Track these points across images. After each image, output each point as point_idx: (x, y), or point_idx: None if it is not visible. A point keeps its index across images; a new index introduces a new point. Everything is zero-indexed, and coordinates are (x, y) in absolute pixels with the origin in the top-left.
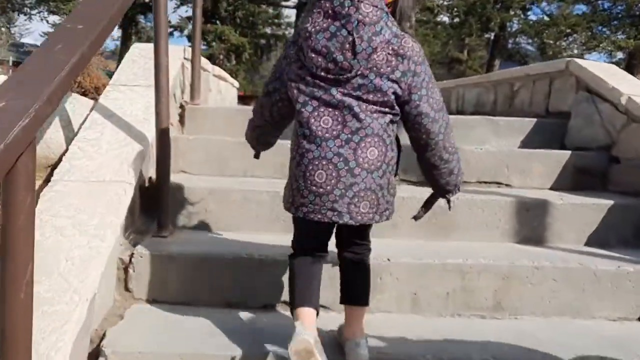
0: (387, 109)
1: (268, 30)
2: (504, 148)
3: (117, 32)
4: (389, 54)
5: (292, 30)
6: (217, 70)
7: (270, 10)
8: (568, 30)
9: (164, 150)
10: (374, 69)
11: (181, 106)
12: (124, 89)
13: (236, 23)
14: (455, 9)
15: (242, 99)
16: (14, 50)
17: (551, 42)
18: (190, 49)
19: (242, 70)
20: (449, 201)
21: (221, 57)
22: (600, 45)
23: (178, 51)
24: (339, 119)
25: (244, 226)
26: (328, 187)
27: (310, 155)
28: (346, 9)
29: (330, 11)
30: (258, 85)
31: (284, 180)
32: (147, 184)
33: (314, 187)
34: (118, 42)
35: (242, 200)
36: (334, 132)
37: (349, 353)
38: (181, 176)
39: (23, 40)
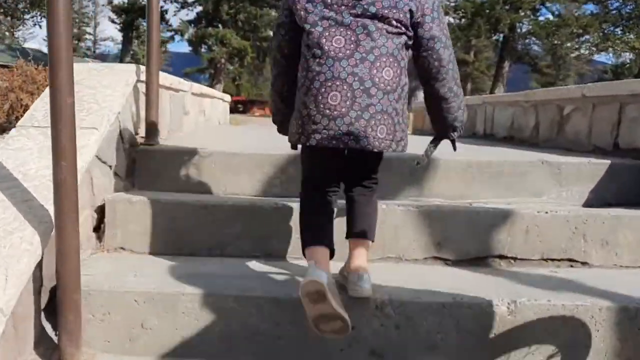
0: (402, 29)
1: (271, 32)
2: (577, 209)
3: (118, 35)
4: None
5: None
6: (197, 87)
7: (273, 13)
8: (579, 31)
9: (66, 243)
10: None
11: (133, 145)
12: (35, 133)
13: (238, 26)
14: (463, 10)
15: (244, 104)
16: (14, 55)
17: (562, 43)
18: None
19: (246, 73)
20: (453, 141)
21: (223, 61)
22: (612, 46)
23: (125, 72)
24: (352, 38)
25: None
26: (343, 109)
27: (321, 77)
28: None
29: None
30: (262, 88)
31: (268, 262)
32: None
33: (328, 111)
34: (109, 43)
35: (199, 309)
36: (347, 52)
37: (352, 287)
38: (113, 263)
39: (27, 44)
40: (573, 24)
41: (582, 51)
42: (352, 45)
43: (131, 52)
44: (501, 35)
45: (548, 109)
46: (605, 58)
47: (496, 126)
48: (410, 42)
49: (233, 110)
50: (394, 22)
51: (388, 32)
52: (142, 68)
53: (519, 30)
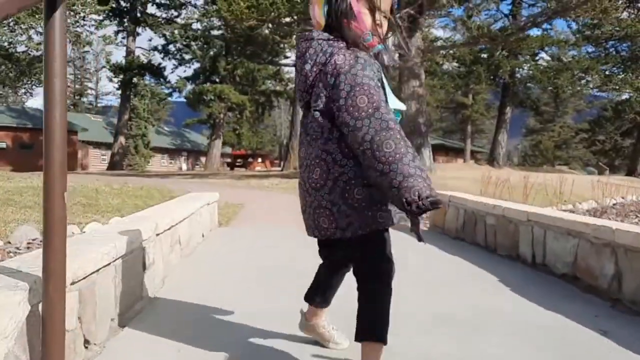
0: (320, 129)
1: (269, 85)
2: None
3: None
4: (317, 73)
5: (293, 86)
6: (167, 222)
7: (270, 67)
8: (581, 74)
9: None
10: (314, 90)
11: None
12: None
13: (236, 81)
14: (462, 58)
15: (244, 158)
16: (14, 115)
17: (564, 86)
18: None
19: (246, 124)
20: (413, 223)
21: (222, 116)
22: (614, 87)
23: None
24: (304, 142)
25: None
26: (302, 207)
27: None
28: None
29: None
30: (263, 135)
31: None
32: None
33: (300, 206)
34: (111, 97)
35: None
36: (302, 156)
37: None
38: None
39: (28, 103)
40: (574, 67)
41: (584, 91)
42: (302, 149)
43: (131, 106)
44: (501, 81)
45: (636, 259)
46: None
47: (551, 256)
48: (335, 134)
49: (233, 166)
50: (315, 124)
51: (312, 134)
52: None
53: (518, 75)
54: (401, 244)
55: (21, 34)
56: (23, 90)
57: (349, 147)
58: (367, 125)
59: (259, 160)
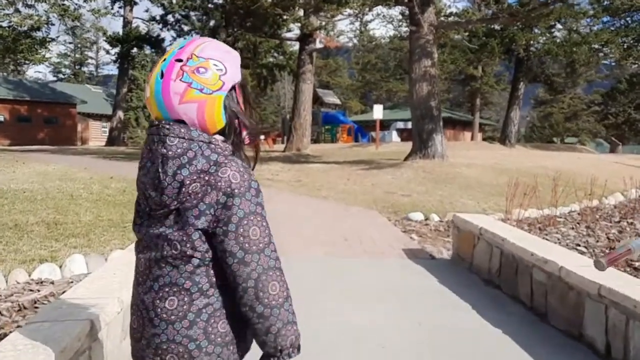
0: (191, 251)
1: (271, 58)
2: None
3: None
4: (202, 185)
5: (296, 60)
6: None
7: (272, 39)
8: (599, 47)
9: None
10: (185, 203)
11: None
12: None
13: None
14: (473, 31)
15: None
16: (11, 88)
17: (581, 60)
18: None
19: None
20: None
21: None
22: (634, 61)
23: None
24: (147, 263)
25: None
26: (138, 335)
27: (132, 299)
28: (155, 144)
29: (147, 147)
30: (267, 107)
31: None
32: None
33: (131, 332)
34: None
35: None
36: (143, 277)
37: None
38: None
39: (29, 73)
40: (592, 40)
41: (601, 65)
42: (146, 271)
43: (131, 77)
44: (515, 55)
45: None
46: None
47: (637, 352)
48: (208, 261)
49: None
50: (182, 245)
51: (175, 258)
52: None
53: (533, 49)
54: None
55: (8, 7)
56: (11, 67)
57: (217, 275)
58: (256, 262)
59: (261, 137)
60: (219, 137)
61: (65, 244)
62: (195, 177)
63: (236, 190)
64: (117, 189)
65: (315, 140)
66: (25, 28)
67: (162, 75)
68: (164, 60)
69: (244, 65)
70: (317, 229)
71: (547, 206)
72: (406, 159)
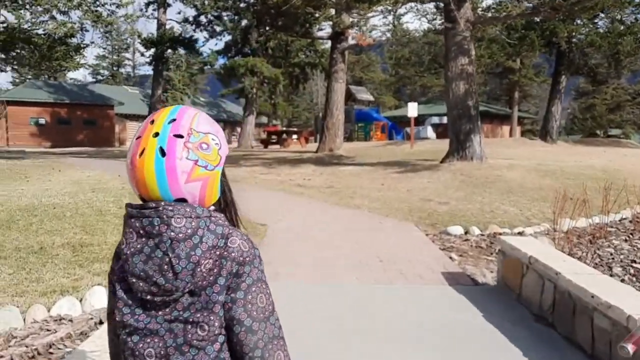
0: (219, 329)
1: (303, 57)
2: None
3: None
4: (215, 260)
5: (328, 57)
6: None
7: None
8: None
9: None
10: (202, 282)
11: None
12: None
13: (268, 54)
14: (512, 24)
15: (278, 135)
16: (52, 91)
17: (627, 51)
18: None
19: (280, 98)
20: None
21: (254, 90)
22: None
23: None
24: (162, 352)
25: None
26: None
27: None
28: (156, 227)
29: (141, 230)
30: (299, 104)
31: None
32: None
33: None
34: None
35: None
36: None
37: None
38: None
39: (70, 74)
40: (638, 30)
41: None
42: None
43: (166, 78)
44: (556, 47)
45: None
46: None
47: None
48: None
49: (267, 143)
50: (208, 326)
51: (200, 340)
52: None
53: (575, 40)
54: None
55: (43, 14)
56: (48, 74)
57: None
58: (262, 330)
59: (294, 137)
60: (211, 208)
61: (88, 270)
62: (208, 255)
63: (247, 258)
64: None
65: (348, 139)
66: (61, 35)
67: (163, 153)
68: (156, 135)
69: (276, 65)
70: (350, 247)
71: (596, 213)
72: (443, 161)
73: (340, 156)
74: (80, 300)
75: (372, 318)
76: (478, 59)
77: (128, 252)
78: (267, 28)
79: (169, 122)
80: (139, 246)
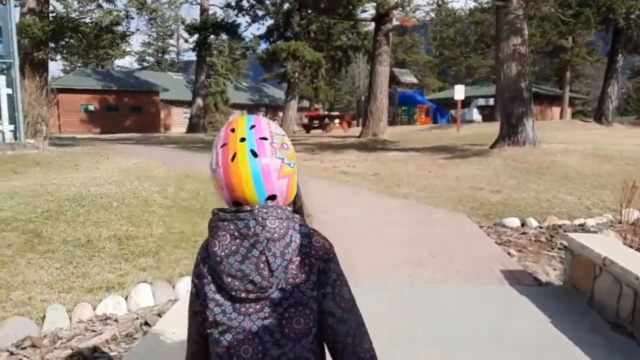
0: (313, 322)
1: (345, 39)
2: None
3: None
4: (303, 258)
5: (371, 40)
6: None
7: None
8: None
9: None
10: (293, 279)
11: None
12: None
13: (310, 37)
14: (567, 1)
15: (320, 119)
16: (100, 78)
17: None
18: None
19: (323, 80)
20: None
21: (296, 75)
22: None
23: None
24: (259, 347)
25: None
26: None
27: None
28: (252, 229)
29: (236, 233)
30: (341, 87)
31: None
32: None
33: None
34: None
35: None
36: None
37: None
38: None
39: (117, 62)
40: None
41: None
42: (259, 355)
43: (209, 64)
44: (613, 25)
45: None
46: None
47: None
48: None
49: (309, 128)
50: (302, 319)
51: (295, 334)
52: None
53: (634, 17)
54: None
55: (90, 3)
56: (95, 62)
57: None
58: (351, 319)
59: (336, 121)
60: (289, 209)
61: (134, 265)
62: (297, 253)
63: (330, 256)
64: (191, 191)
65: (391, 122)
66: (107, 23)
67: (255, 155)
68: (242, 140)
69: (318, 48)
70: (400, 241)
71: None
72: (493, 146)
73: (384, 141)
74: (126, 298)
75: (431, 322)
76: (529, 38)
77: (222, 254)
78: (309, 11)
79: (250, 128)
80: (233, 247)
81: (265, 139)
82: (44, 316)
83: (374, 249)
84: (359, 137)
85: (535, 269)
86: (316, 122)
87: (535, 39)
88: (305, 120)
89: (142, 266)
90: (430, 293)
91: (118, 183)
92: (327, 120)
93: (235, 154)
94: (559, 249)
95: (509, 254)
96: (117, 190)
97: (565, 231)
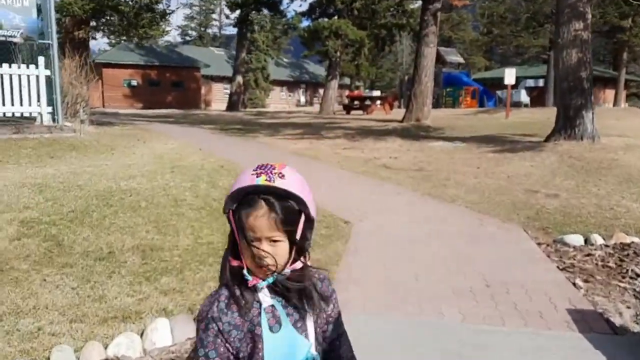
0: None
1: (390, 19)
2: None
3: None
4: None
5: (417, 18)
6: None
7: None
8: None
9: None
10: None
11: None
12: None
13: (354, 15)
14: None
15: (361, 100)
16: (143, 54)
17: None
18: None
19: (365, 59)
20: None
21: (338, 54)
22: None
23: None
24: None
25: None
26: None
27: None
28: None
29: None
30: (383, 64)
31: None
32: None
33: None
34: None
35: None
36: None
37: None
38: None
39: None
40: None
41: None
42: None
43: (250, 40)
44: None
45: None
46: None
47: None
48: None
49: (349, 109)
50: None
51: None
52: None
53: None
54: None
55: None
56: (135, 40)
57: None
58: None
59: (377, 102)
60: None
61: (155, 286)
62: None
63: (330, 289)
64: (224, 188)
65: (434, 104)
66: (146, 1)
67: None
68: None
69: (361, 26)
70: (446, 262)
71: None
72: (547, 139)
73: (428, 127)
74: (141, 335)
75: None
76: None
77: None
78: None
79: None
80: None
81: None
82: (49, 358)
83: (417, 274)
84: (402, 121)
85: (606, 306)
86: (357, 102)
87: (594, 18)
88: (346, 101)
89: (164, 289)
90: (484, 338)
91: (150, 175)
92: (368, 101)
93: None
94: (631, 277)
95: (574, 284)
96: (147, 186)
97: (635, 253)
